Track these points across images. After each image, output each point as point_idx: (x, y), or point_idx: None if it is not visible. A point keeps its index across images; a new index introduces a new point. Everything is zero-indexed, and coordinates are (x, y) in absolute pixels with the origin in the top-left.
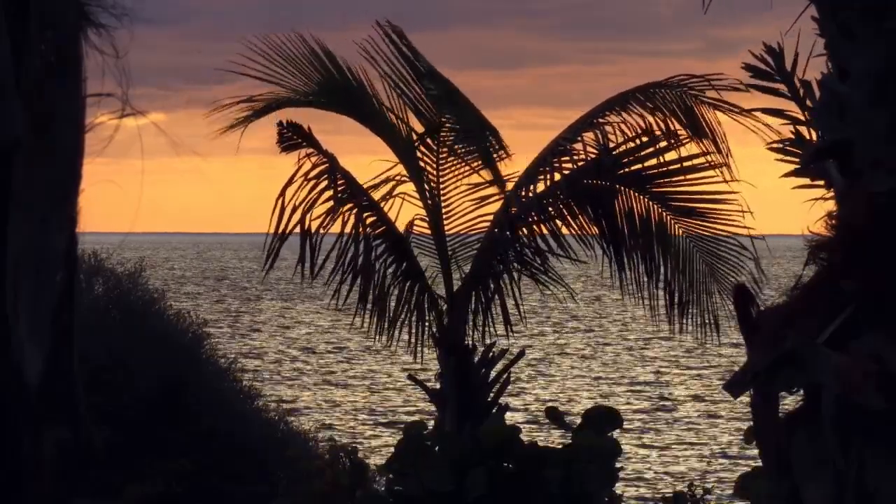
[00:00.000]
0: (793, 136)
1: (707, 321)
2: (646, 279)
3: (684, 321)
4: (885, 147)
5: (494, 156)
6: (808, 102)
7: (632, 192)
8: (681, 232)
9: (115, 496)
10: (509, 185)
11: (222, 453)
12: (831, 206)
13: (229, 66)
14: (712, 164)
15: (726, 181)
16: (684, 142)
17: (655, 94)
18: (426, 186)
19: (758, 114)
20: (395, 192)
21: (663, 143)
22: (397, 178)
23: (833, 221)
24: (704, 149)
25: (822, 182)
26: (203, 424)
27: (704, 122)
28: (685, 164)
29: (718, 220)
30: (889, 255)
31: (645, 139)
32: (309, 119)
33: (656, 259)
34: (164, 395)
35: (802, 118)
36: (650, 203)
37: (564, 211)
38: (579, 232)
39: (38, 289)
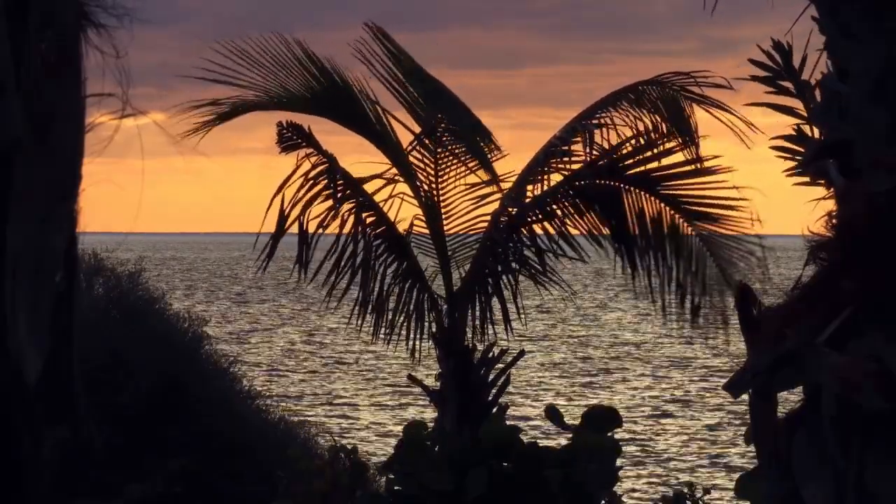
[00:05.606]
0: (794, 133)
1: (716, 323)
2: (657, 281)
3: (696, 321)
4: (885, 147)
5: (489, 155)
6: (811, 105)
7: (641, 192)
8: (693, 234)
9: (115, 496)
10: (506, 185)
11: (222, 453)
12: (831, 205)
13: (211, 73)
14: (722, 168)
15: (735, 187)
16: (688, 144)
17: (644, 92)
18: (424, 186)
19: (751, 110)
20: (394, 192)
21: (672, 144)
22: (394, 177)
23: (833, 221)
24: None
25: (822, 182)
26: (203, 424)
27: (685, 118)
28: (698, 165)
29: (731, 226)
30: (889, 255)
31: (648, 138)
32: (306, 119)
33: (668, 260)
34: (164, 394)
35: (807, 115)
36: (661, 205)
37: (571, 210)
38: (586, 232)
39: (37, 289)
